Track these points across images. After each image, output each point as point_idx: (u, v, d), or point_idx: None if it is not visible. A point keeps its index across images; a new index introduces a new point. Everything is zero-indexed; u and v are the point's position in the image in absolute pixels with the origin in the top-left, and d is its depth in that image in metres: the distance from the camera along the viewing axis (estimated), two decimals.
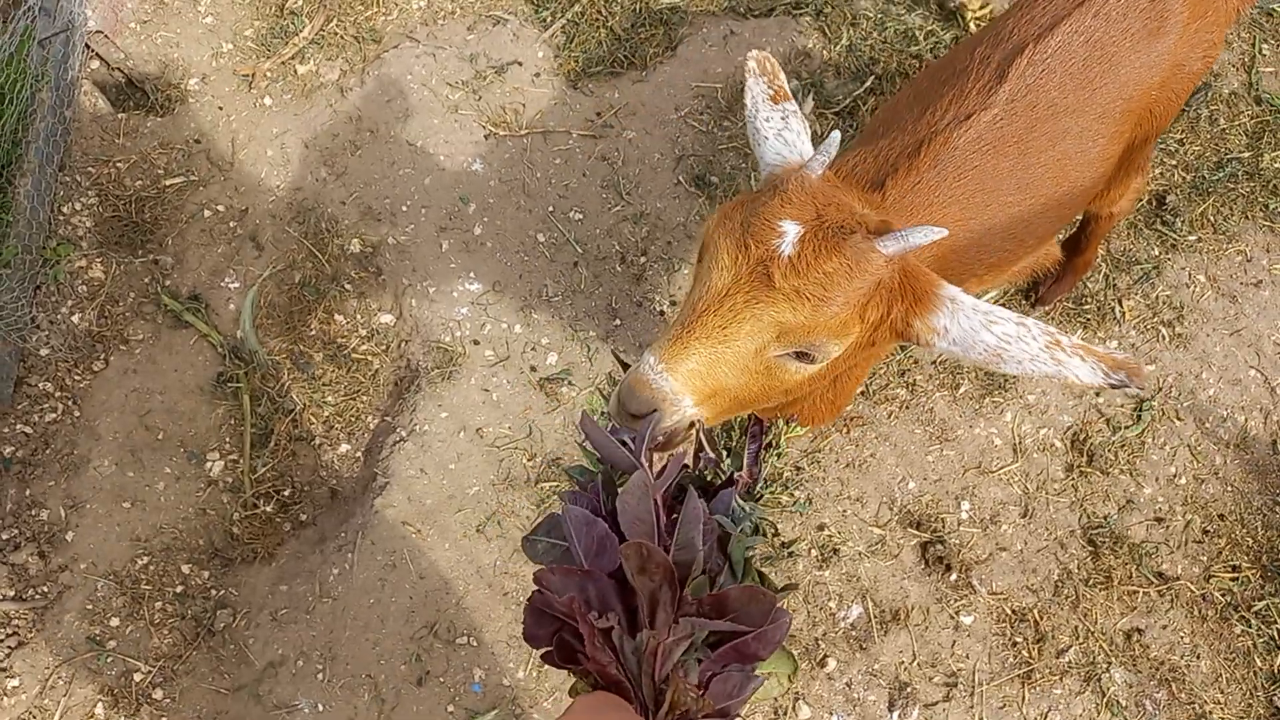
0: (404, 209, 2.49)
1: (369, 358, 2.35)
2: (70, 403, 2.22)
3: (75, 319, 2.30)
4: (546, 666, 2.07)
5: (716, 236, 1.18)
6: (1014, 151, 1.50)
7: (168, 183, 2.49)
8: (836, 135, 1.23)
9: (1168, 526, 2.28)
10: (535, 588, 0.88)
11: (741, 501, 1.04)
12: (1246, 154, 2.61)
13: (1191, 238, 2.52)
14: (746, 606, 0.85)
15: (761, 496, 1.12)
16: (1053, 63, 1.52)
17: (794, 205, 1.18)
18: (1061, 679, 2.15)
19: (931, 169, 1.46)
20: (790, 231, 1.16)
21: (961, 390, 2.36)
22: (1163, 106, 1.71)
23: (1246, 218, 2.55)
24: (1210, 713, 2.13)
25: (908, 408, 2.34)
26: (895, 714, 2.10)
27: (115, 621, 2.04)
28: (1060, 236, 2.50)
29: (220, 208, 2.49)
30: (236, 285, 2.40)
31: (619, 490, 0.94)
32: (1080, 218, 2.35)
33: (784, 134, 1.36)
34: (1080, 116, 1.55)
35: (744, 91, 1.43)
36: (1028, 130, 1.51)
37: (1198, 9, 1.62)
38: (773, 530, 1.08)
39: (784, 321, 1.15)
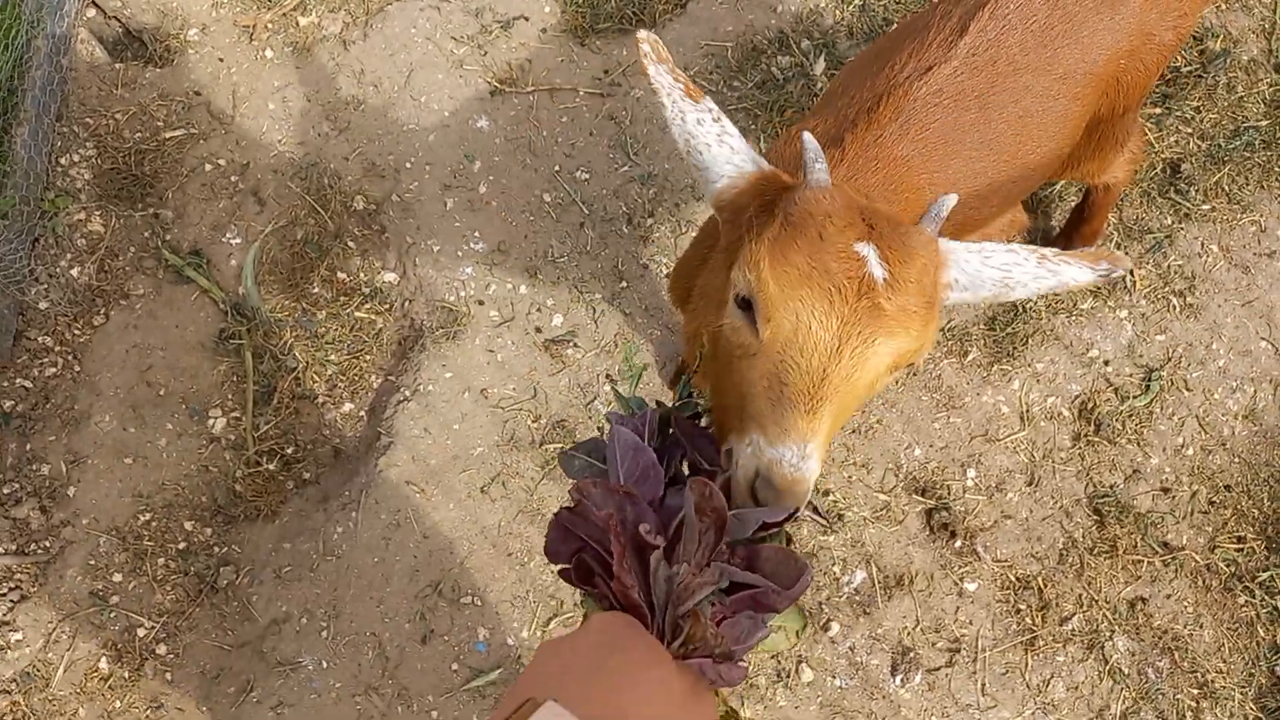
0: (408, 166, 2.50)
1: (372, 316, 2.37)
2: (70, 357, 2.23)
3: (74, 272, 2.31)
4: (552, 625, 2.11)
5: (784, 288, 1.07)
6: (975, 105, 1.51)
7: (167, 135, 2.49)
8: (808, 136, 1.16)
9: (1174, 497, 2.32)
10: (564, 504, 0.90)
11: None
12: (1264, 122, 2.61)
13: (1205, 207, 2.54)
14: (777, 566, 0.87)
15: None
16: (1014, 19, 1.53)
17: (851, 226, 1.10)
18: (1065, 646, 2.19)
19: (893, 121, 1.46)
20: (869, 254, 1.08)
21: (970, 358, 2.39)
22: (1132, 77, 1.72)
23: (1262, 187, 2.57)
24: (1212, 681, 2.18)
25: (915, 374, 2.36)
26: (898, 678, 2.15)
27: (118, 577, 2.07)
28: (1050, 207, 2.52)
29: (221, 162, 2.49)
30: (238, 241, 2.41)
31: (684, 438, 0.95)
32: (1082, 189, 2.37)
33: (725, 139, 1.21)
34: (1042, 75, 1.56)
35: (653, 86, 1.25)
36: (989, 86, 1.52)
37: None
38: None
39: (901, 346, 1.09)
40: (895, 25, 2.57)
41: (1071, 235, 2.41)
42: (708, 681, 0.84)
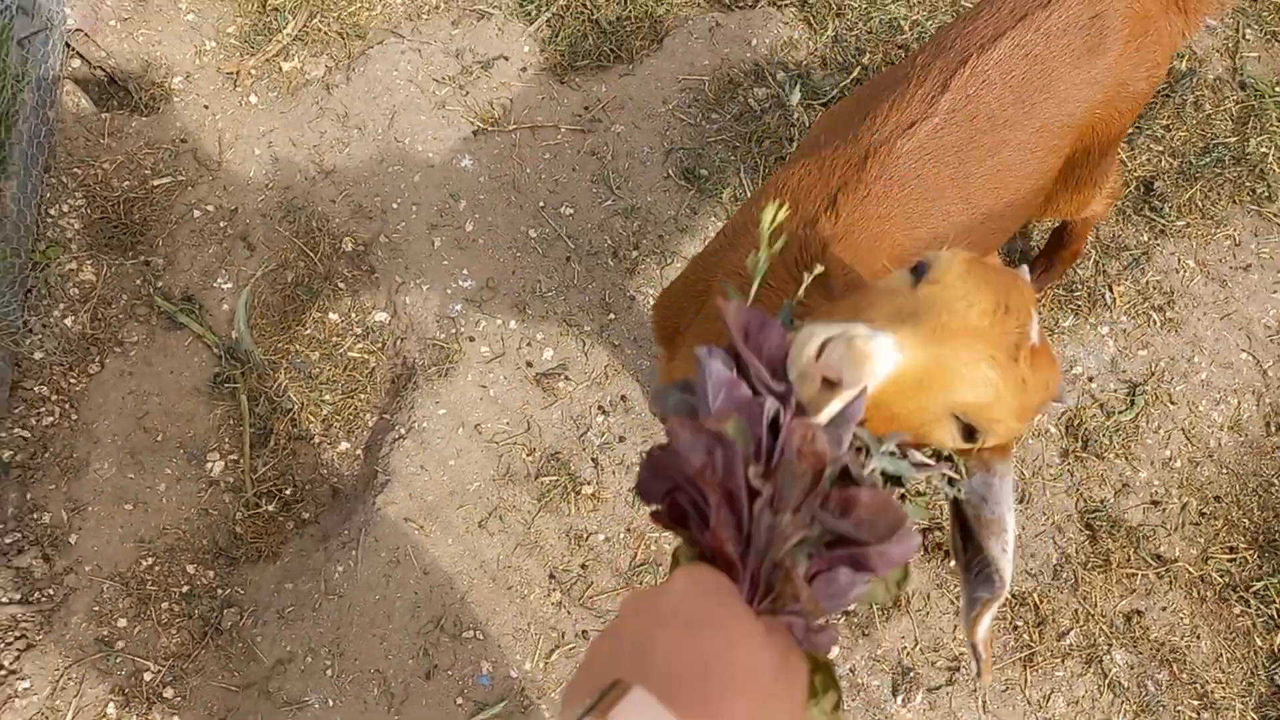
0: (394, 206, 2.60)
1: (365, 356, 2.46)
2: (67, 406, 2.31)
3: (68, 322, 2.39)
4: (554, 657, 2.18)
5: (970, 273, 1.08)
6: (954, 161, 1.60)
7: (155, 183, 2.59)
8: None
9: (1164, 509, 2.42)
10: (657, 444, 0.85)
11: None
12: (1232, 139, 2.75)
13: (1180, 223, 2.66)
14: (873, 517, 0.82)
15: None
16: (993, 75, 1.62)
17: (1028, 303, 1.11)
18: (1063, 661, 2.27)
19: (878, 180, 1.55)
20: (1036, 323, 1.09)
21: None
22: (1106, 125, 1.82)
23: (1234, 202, 2.70)
24: (1212, 692, 2.27)
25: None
26: (899, 698, 2.22)
27: (123, 622, 2.13)
28: (1030, 228, 2.63)
29: (210, 208, 2.59)
30: (229, 286, 2.50)
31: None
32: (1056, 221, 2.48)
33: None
34: (1019, 130, 1.65)
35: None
36: (967, 141, 1.60)
37: (1138, 28, 1.73)
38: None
39: (999, 398, 1.06)
40: (872, 77, 2.70)
41: (1052, 257, 2.52)
42: (797, 643, 0.80)
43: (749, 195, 2.62)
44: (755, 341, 0.92)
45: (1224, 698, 2.27)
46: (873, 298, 1.11)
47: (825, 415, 0.93)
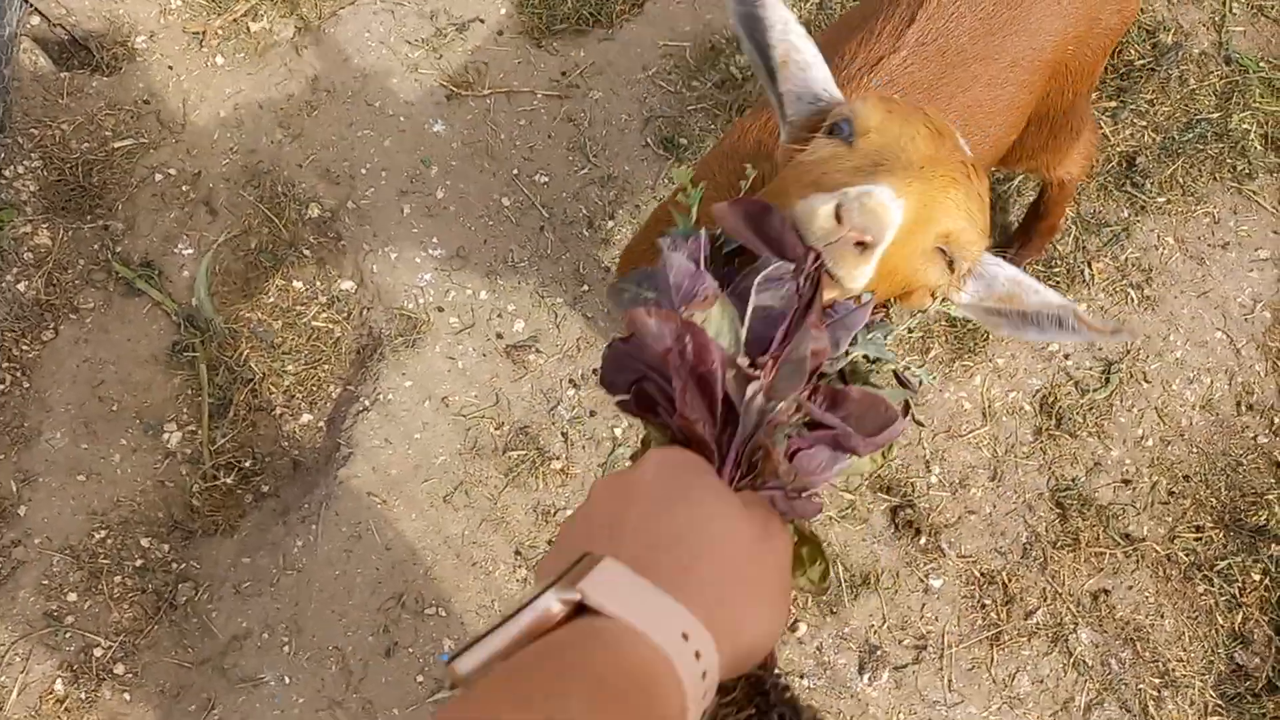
0: (363, 172, 2.50)
1: (330, 325, 2.37)
2: (19, 373, 2.22)
3: (21, 287, 2.30)
4: None
5: (891, 111, 1.10)
6: (924, 97, 1.54)
7: (116, 145, 2.49)
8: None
9: (1134, 488, 2.38)
10: (617, 337, 0.83)
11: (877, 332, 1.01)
12: (1215, 115, 2.69)
13: (1161, 200, 2.60)
14: (863, 413, 0.82)
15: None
16: (962, 7, 1.56)
17: (945, 122, 1.14)
18: (1029, 640, 2.24)
19: None
20: (961, 140, 1.12)
21: (931, 354, 2.44)
22: (1079, 63, 1.76)
23: (1215, 179, 2.64)
24: (1173, 670, 2.24)
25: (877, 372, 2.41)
26: (865, 676, 2.19)
27: (73, 597, 2.07)
28: (1009, 203, 2.57)
29: (172, 171, 2.49)
30: (190, 252, 2.41)
31: (756, 268, 0.86)
32: (1039, 185, 2.42)
33: (818, 62, 1.22)
34: (990, 64, 1.60)
35: (753, 7, 1.18)
36: (938, 76, 1.55)
37: None
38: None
39: (968, 217, 1.10)
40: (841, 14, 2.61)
41: (1029, 231, 2.46)
42: (779, 514, 0.79)
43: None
44: (760, 228, 0.91)
45: (1184, 676, 2.24)
46: (821, 167, 1.10)
47: (860, 279, 0.98)
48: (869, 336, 0.99)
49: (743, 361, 0.80)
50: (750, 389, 0.79)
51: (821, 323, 0.84)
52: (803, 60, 1.20)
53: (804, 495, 0.81)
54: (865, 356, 0.98)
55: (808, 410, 0.81)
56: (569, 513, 2.24)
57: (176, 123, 2.54)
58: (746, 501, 0.76)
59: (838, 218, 0.96)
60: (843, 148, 1.10)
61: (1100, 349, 2.48)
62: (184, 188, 2.47)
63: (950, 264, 1.14)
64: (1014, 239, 2.48)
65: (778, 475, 0.78)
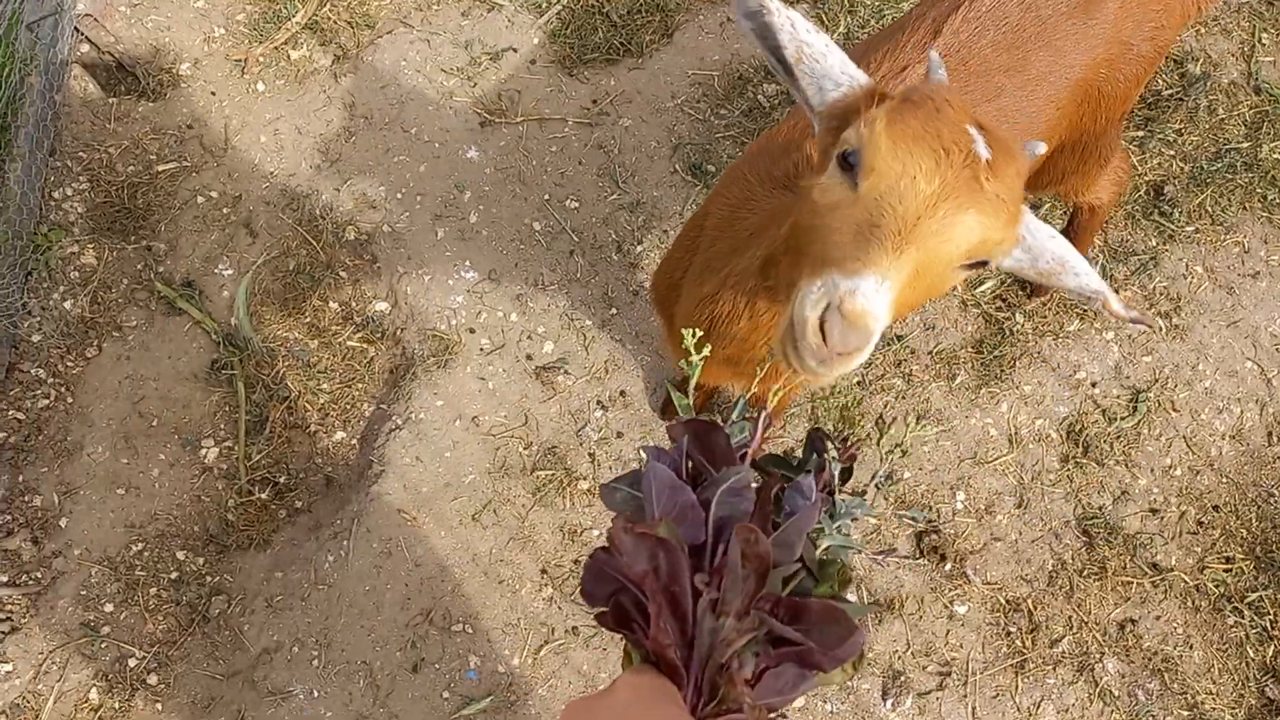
0: (399, 196, 2.54)
1: (364, 345, 2.40)
2: (63, 389, 2.27)
3: (68, 305, 2.35)
4: (543, 653, 2.13)
5: (896, 143, 1.12)
6: None
7: (160, 168, 2.54)
8: (934, 54, 1.23)
9: (1162, 518, 2.35)
10: (600, 546, 0.86)
11: (847, 497, 1.00)
12: (1245, 144, 2.67)
13: (1189, 229, 2.58)
14: (823, 626, 0.82)
15: (864, 493, 1.07)
16: (986, 21, 1.58)
17: (966, 112, 1.16)
18: (1055, 669, 2.21)
19: None
20: (978, 136, 1.14)
21: (958, 380, 2.42)
22: (1112, 88, 1.76)
23: (1244, 208, 2.61)
24: (1202, 703, 2.20)
25: (903, 398, 2.40)
26: (889, 703, 2.16)
27: (109, 607, 2.09)
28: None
29: (214, 194, 2.54)
30: (230, 272, 2.45)
31: (718, 480, 0.90)
32: (1067, 213, 2.41)
33: (832, 49, 1.25)
34: (1015, 76, 1.61)
35: (761, 18, 1.23)
36: (961, 86, 1.55)
37: None
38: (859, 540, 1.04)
39: (987, 228, 1.13)
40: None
41: None
42: None
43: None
44: (706, 446, 0.95)
45: (1214, 709, 2.20)
46: (828, 221, 1.14)
47: (852, 365, 1.05)
48: (836, 526, 0.99)
49: (700, 578, 0.82)
50: (700, 607, 0.81)
51: (756, 528, 0.85)
52: (815, 51, 1.23)
53: (772, 716, 0.82)
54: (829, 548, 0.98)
55: (770, 626, 0.82)
56: (596, 533, 2.24)
57: (218, 147, 2.59)
58: None
59: (822, 332, 1.04)
60: (848, 193, 1.14)
61: (1129, 377, 2.46)
62: (225, 210, 2.52)
63: (982, 262, 1.17)
64: None
65: (739, 703, 0.79)
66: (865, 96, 1.22)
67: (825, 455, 1.02)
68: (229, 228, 2.50)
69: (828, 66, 1.24)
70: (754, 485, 0.93)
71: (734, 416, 1.05)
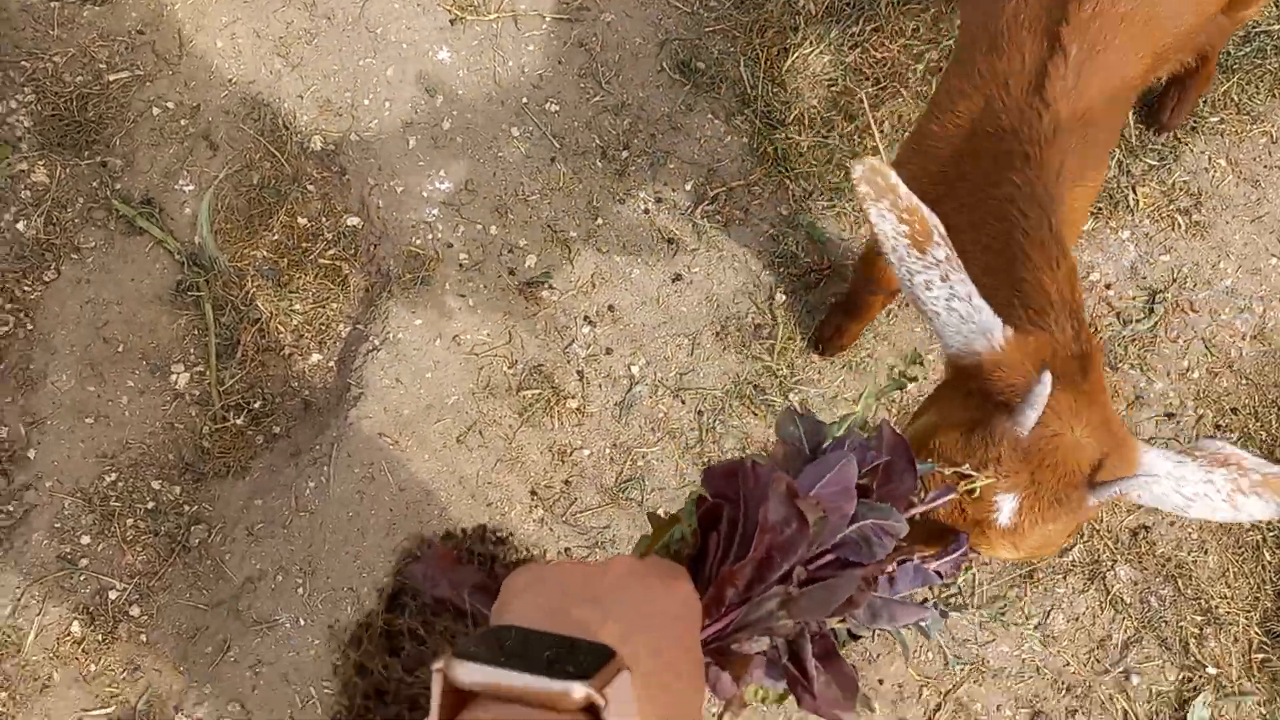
0: (366, 103, 2.48)
1: (337, 263, 2.38)
2: (21, 315, 2.25)
3: (21, 226, 2.32)
4: None
5: (926, 457, 1.17)
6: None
7: (111, 78, 2.47)
8: (1047, 378, 1.15)
9: (1178, 422, 2.35)
10: (754, 458, 0.86)
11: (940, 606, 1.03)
12: (1276, 26, 2.59)
13: (1213, 119, 2.52)
14: (840, 685, 0.84)
15: (949, 610, 1.09)
16: None
17: (1008, 476, 1.15)
18: (1065, 578, 2.24)
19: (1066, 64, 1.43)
20: (1006, 506, 1.15)
21: None
22: None
23: (1274, 96, 2.55)
24: (1216, 607, 2.23)
25: (907, 305, 2.38)
26: None
27: (86, 540, 2.11)
28: None
29: (170, 104, 2.48)
30: (191, 188, 2.41)
31: (878, 512, 0.90)
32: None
33: (954, 304, 1.18)
34: None
35: (874, 234, 1.19)
36: None
37: None
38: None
39: (1000, 556, 1.19)
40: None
41: (1185, 82, 2.38)
42: (709, 678, 0.80)
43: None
44: (889, 476, 0.94)
45: (1228, 613, 2.23)
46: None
47: None
48: (924, 622, 1.00)
49: (797, 571, 0.81)
50: (774, 592, 0.80)
51: (866, 589, 0.85)
52: (966, 310, 1.20)
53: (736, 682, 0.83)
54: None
55: (799, 650, 0.82)
56: (586, 453, 2.25)
57: (172, 54, 2.52)
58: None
59: None
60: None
61: (1145, 278, 2.43)
62: (183, 121, 2.46)
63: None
64: (1163, 102, 2.41)
65: (732, 681, 0.80)
66: (979, 367, 1.21)
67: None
68: (188, 140, 2.45)
69: (940, 325, 1.21)
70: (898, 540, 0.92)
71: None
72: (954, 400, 1.24)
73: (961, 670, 2.19)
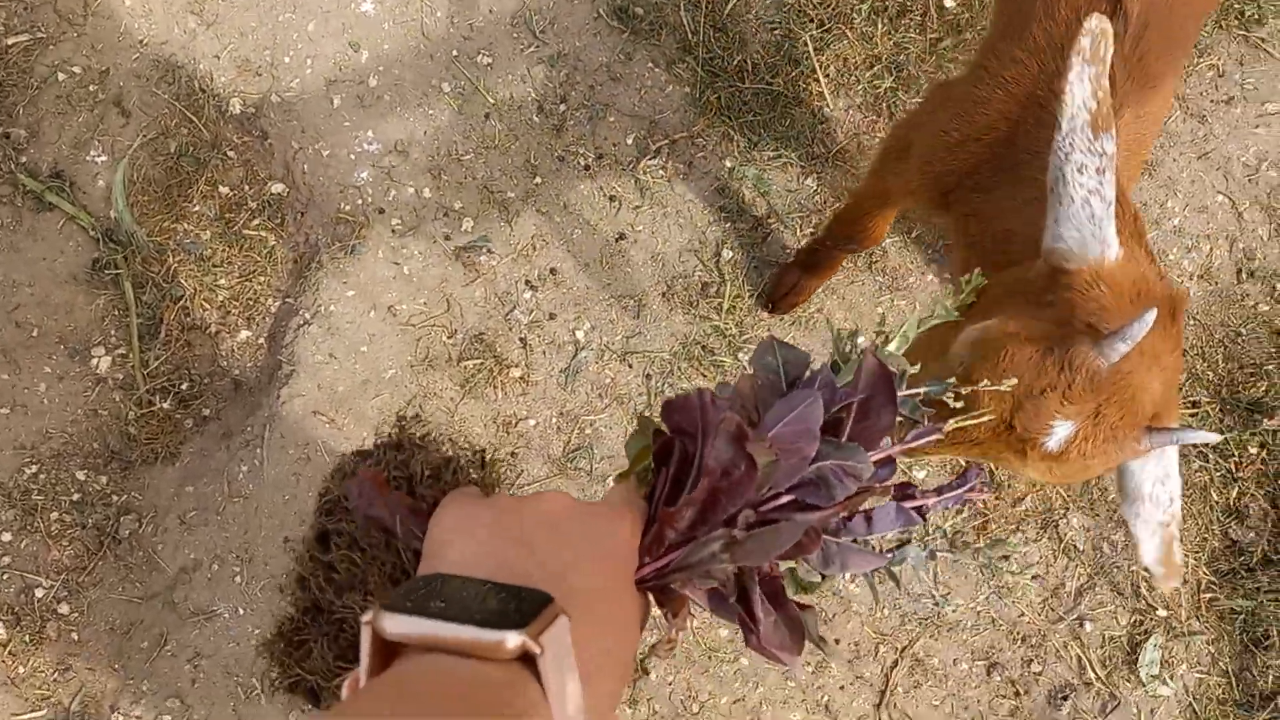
0: (286, 61, 2.35)
1: (262, 233, 2.27)
2: None
3: None
4: None
5: (983, 373, 1.12)
6: None
7: (10, 41, 2.32)
8: (1151, 315, 1.11)
9: None
10: (708, 389, 0.81)
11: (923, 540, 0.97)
12: None
13: None
14: (786, 628, 0.79)
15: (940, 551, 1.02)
16: None
17: (1074, 404, 1.11)
18: (1018, 527, 2.23)
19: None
20: (1060, 431, 1.12)
21: (914, 235, 2.35)
22: None
23: (1220, 27, 2.50)
24: None
25: (857, 257, 2.33)
26: (847, 573, 2.18)
27: (7, 537, 2.02)
28: None
29: (76, 69, 2.33)
30: (104, 159, 2.27)
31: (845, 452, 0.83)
32: None
33: (1092, 201, 1.15)
34: None
35: (1064, 90, 1.13)
36: None
37: None
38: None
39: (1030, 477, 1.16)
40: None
41: None
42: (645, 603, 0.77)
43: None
44: (865, 413, 0.86)
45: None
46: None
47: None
48: (901, 564, 0.94)
49: (741, 516, 0.76)
50: (717, 534, 0.75)
51: (817, 536, 0.78)
52: (1101, 211, 1.16)
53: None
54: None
55: (748, 590, 0.77)
56: (532, 423, 2.19)
57: (76, 14, 2.36)
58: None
59: None
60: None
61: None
62: (91, 87, 2.32)
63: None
64: None
65: (677, 614, 0.77)
66: (1074, 276, 1.18)
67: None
68: (98, 107, 2.31)
69: (1063, 213, 1.17)
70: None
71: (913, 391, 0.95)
72: (1030, 308, 1.20)
73: (917, 625, 2.19)
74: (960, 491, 0.94)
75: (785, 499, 0.79)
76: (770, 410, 0.82)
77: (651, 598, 0.76)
